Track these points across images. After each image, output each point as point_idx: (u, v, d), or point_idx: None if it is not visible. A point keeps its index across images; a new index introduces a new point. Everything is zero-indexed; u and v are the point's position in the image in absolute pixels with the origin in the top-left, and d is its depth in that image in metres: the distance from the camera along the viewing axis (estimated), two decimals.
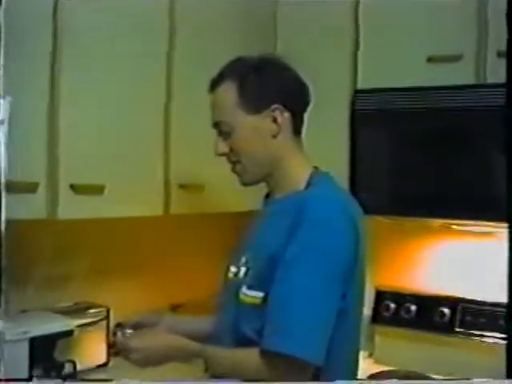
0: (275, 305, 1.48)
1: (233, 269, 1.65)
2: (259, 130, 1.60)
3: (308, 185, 1.59)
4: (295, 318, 1.45)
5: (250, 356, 1.49)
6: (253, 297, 1.53)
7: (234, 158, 1.64)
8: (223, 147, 1.64)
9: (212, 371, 1.57)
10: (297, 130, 1.65)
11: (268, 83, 1.61)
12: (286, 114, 1.61)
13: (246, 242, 1.66)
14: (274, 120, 1.60)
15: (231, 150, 1.63)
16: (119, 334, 1.61)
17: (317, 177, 1.61)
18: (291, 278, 1.47)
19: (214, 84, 1.64)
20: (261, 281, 1.53)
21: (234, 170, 1.66)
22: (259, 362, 1.47)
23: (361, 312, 1.65)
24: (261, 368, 1.47)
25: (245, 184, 1.67)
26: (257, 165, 1.63)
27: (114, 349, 1.76)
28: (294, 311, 1.45)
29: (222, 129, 1.63)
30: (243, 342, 1.53)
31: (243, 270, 1.59)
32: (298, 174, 1.62)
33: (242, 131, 1.60)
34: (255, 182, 1.67)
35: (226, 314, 1.62)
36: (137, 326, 1.73)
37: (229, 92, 1.61)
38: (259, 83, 1.60)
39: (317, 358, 1.45)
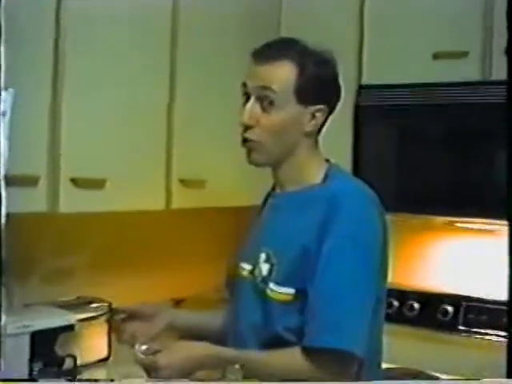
0: (320, 299, 1.44)
1: (247, 266, 1.60)
2: (297, 121, 1.54)
3: (326, 178, 1.56)
4: (343, 311, 1.42)
5: (291, 355, 1.45)
6: (283, 293, 1.49)
7: (253, 135, 1.54)
8: (258, 117, 1.53)
9: (251, 375, 1.48)
10: (320, 129, 1.60)
11: (324, 82, 1.55)
12: (324, 116, 1.57)
13: (261, 238, 1.60)
14: (313, 118, 1.55)
15: (259, 123, 1.53)
16: (140, 353, 1.53)
17: (333, 170, 1.59)
18: (333, 271, 1.44)
19: (270, 56, 1.55)
20: (291, 276, 1.48)
21: (247, 146, 1.56)
22: (305, 361, 1.42)
23: (385, 301, 1.62)
24: (307, 366, 1.42)
25: (255, 163, 1.57)
26: (275, 151, 1.55)
27: (116, 336, 1.72)
28: (341, 304, 1.42)
29: (266, 95, 1.52)
30: (272, 340, 1.49)
31: (266, 266, 1.53)
32: (313, 167, 1.58)
33: (286, 111, 1.53)
34: (265, 165, 1.59)
35: (249, 313, 1.56)
36: (132, 314, 1.70)
37: (287, 72, 1.52)
38: (317, 79, 1.54)
39: (362, 351, 1.43)
